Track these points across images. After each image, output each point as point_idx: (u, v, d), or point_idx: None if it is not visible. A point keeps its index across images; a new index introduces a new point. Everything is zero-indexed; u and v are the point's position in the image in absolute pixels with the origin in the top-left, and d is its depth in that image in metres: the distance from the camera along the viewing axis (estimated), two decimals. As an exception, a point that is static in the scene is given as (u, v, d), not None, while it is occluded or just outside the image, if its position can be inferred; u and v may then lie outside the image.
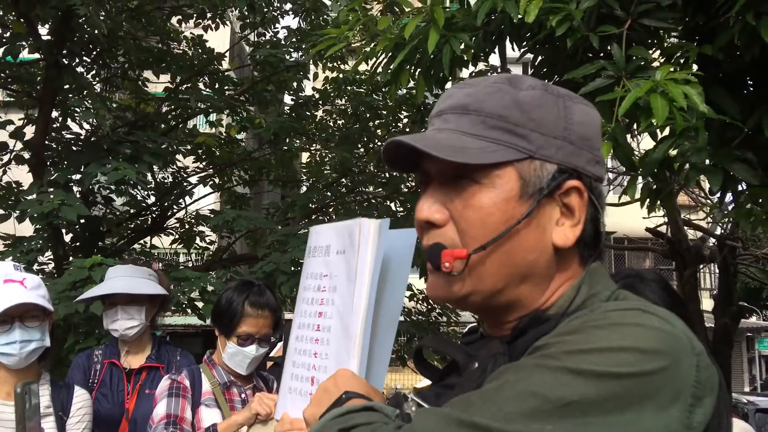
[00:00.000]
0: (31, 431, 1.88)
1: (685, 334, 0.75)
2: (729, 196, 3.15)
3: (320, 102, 8.95)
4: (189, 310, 6.06)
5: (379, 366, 1.10)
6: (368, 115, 8.69)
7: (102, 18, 6.09)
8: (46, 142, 6.62)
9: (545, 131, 0.84)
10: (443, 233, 0.86)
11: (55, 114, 6.72)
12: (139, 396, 2.74)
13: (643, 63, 2.61)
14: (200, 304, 5.82)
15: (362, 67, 4.00)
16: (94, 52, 7.32)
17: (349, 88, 8.77)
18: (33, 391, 1.90)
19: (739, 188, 3.00)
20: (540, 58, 3.10)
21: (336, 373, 1.00)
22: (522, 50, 3.14)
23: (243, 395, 2.39)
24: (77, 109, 6.55)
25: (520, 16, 2.60)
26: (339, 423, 0.84)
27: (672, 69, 2.38)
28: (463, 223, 0.85)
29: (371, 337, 1.07)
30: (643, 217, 3.02)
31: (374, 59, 3.31)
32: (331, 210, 9.14)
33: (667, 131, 2.60)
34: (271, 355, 5.00)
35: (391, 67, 3.05)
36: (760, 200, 2.82)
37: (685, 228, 7.17)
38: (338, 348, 1.09)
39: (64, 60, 6.42)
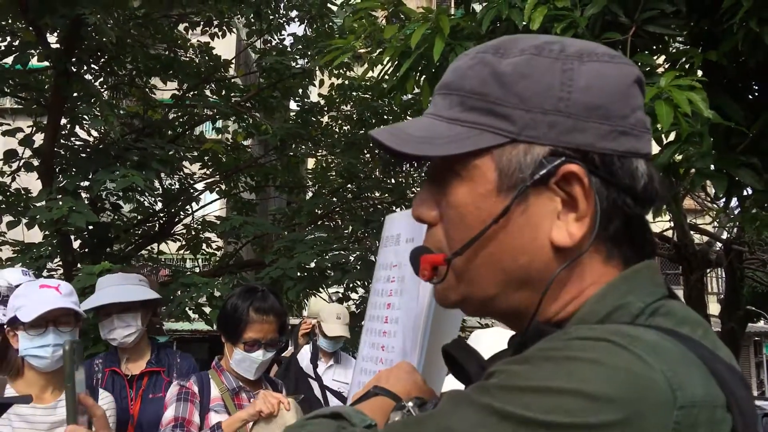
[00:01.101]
0: (79, 388, 1.85)
1: (666, 379, 0.57)
2: (734, 201, 3.17)
3: (326, 108, 8.99)
4: (196, 316, 6.09)
5: (440, 359, 1.04)
6: (374, 120, 8.72)
7: (110, 26, 6.15)
8: (55, 150, 6.67)
9: (532, 106, 0.68)
10: (434, 234, 0.75)
11: (63, 121, 6.78)
12: (143, 401, 2.76)
13: (648, 69, 2.63)
14: (207, 310, 5.86)
15: (368, 73, 4.03)
16: (102, 60, 7.38)
17: (354, 93, 8.81)
18: (79, 352, 1.88)
19: (745, 193, 3.01)
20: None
21: (396, 365, 0.95)
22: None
23: (252, 400, 2.40)
24: (86, 117, 6.60)
25: (524, 23, 2.62)
26: (294, 428, 0.79)
27: (677, 75, 2.40)
28: (446, 222, 0.74)
29: (435, 327, 1.00)
30: (653, 221, 3.04)
31: (380, 66, 3.34)
32: (336, 216, 9.17)
33: (672, 136, 2.62)
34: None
35: (397, 75, 3.08)
36: (766, 205, 2.83)
37: (692, 232, 7.16)
38: (404, 339, 1.03)
39: (72, 68, 6.47)
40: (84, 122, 6.90)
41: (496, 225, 0.69)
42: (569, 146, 0.68)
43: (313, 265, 6.23)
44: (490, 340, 1.89)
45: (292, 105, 9.28)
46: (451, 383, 1.18)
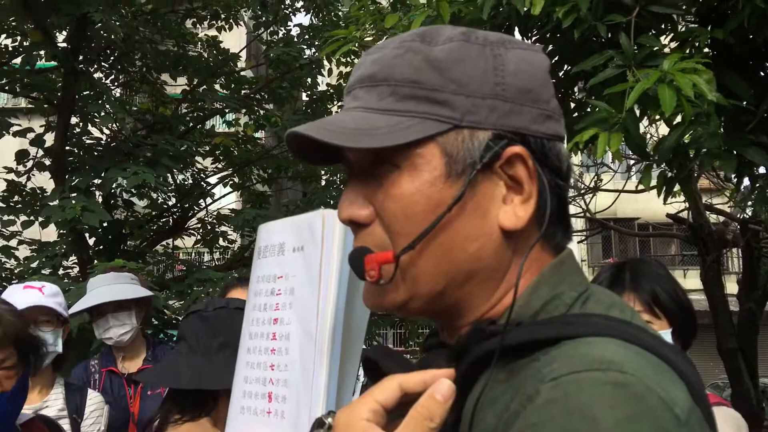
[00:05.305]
0: None
1: (661, 401, 0.56)
2: (747, 181, 3.11)
3: (335, 97, 8.97)
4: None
5: (350, 374, 0.97)
6: (383, 108, 8.65)
7: (117, 23, 6.16)
8: (67, 148, 6.70)
9: (471, 91, 0.68)
10: (370, 233, 0.71)
11: (75, 120, 6.81)
12: (142, 399, 2.77)
13: (656, 48, 2.58)
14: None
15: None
16: (112, 57, 7.41)
17: (363, 82, 8.75)
18: None
19: (757, 173, 2.96)
20: (549, 48, 3.09)
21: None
22: (531, 42, 3.13)
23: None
24: (96, 115, 6.63)
25: (526, 9, 2.59)
26: None
27: (682, 55, 2.36)
28: (387, 217, 0.69)
29: (344, 337, 0.94)
30: (664, 203, 2.99)
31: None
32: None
33: (679, 118, 2.57)
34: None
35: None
36: (778, 184, 2.78)
37: (707, 212, 7.07)
38: (302, 357, 0.95)
39: (81, 66, 6.49)
40: (96, 120, 6.94)
41: (449, 213, 0.67)
42: (509, 129, 0.69)
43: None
44: None
45: (302, 95, 9.26)
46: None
